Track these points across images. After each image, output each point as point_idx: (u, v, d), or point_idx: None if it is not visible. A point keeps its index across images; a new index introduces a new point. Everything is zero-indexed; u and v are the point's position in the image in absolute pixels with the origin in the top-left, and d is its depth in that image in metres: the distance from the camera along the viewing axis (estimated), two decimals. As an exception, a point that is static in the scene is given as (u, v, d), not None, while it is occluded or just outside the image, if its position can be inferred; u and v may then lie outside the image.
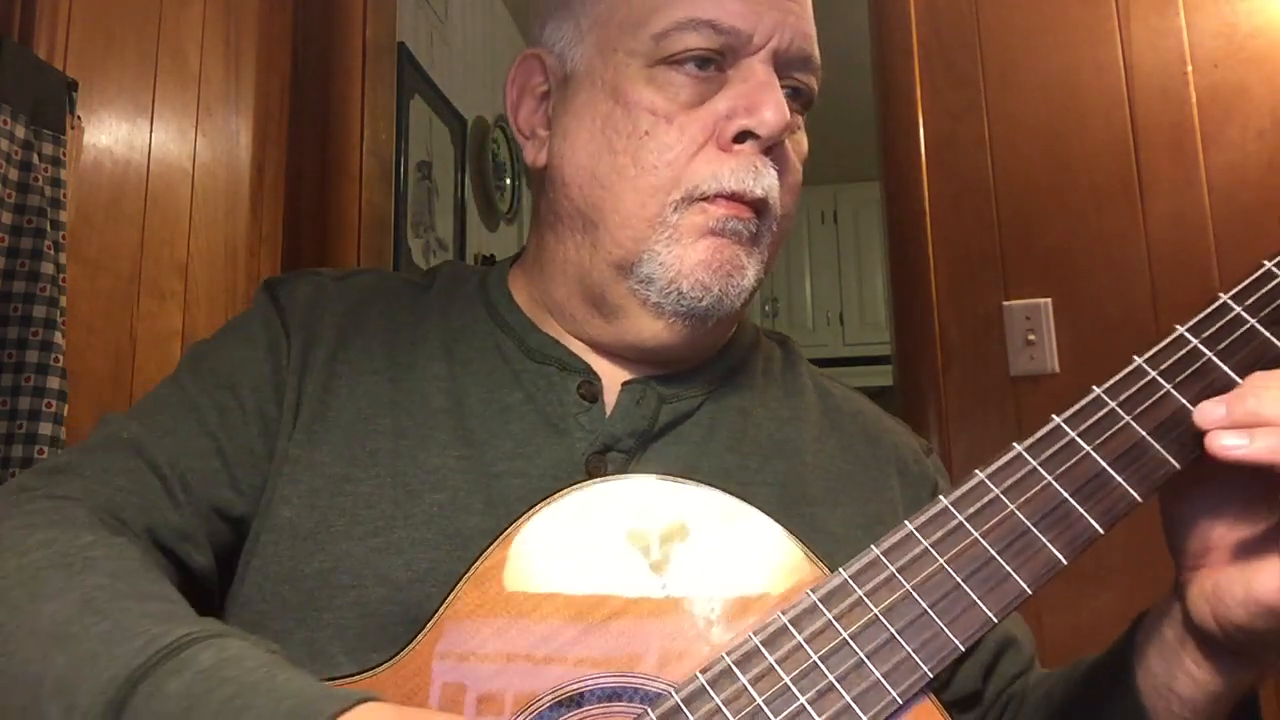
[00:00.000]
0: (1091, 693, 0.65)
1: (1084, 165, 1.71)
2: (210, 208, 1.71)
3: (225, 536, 0.67)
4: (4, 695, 0.50)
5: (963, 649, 0.51)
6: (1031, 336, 1.68)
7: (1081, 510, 0.53)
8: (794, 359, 0.82)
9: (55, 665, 0.49)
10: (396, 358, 0.72)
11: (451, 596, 0.55)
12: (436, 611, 0.55)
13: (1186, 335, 0.56)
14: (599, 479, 0.58)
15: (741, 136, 0.67)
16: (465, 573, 0.56)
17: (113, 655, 0.48)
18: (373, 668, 0.55)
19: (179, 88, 1.64)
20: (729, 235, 0.67)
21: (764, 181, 0.67)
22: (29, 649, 0.50)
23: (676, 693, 0.51)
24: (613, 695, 0.53)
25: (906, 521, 0.54)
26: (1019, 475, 0.54)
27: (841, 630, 0.52)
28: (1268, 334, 0.56)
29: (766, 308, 4.73)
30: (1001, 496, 0.54)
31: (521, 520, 0.56)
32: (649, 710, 0.51)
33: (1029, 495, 0.54)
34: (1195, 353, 0.56)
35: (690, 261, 0.67)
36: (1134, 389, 0.56)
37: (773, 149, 0.68)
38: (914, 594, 0.52)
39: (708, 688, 0.51)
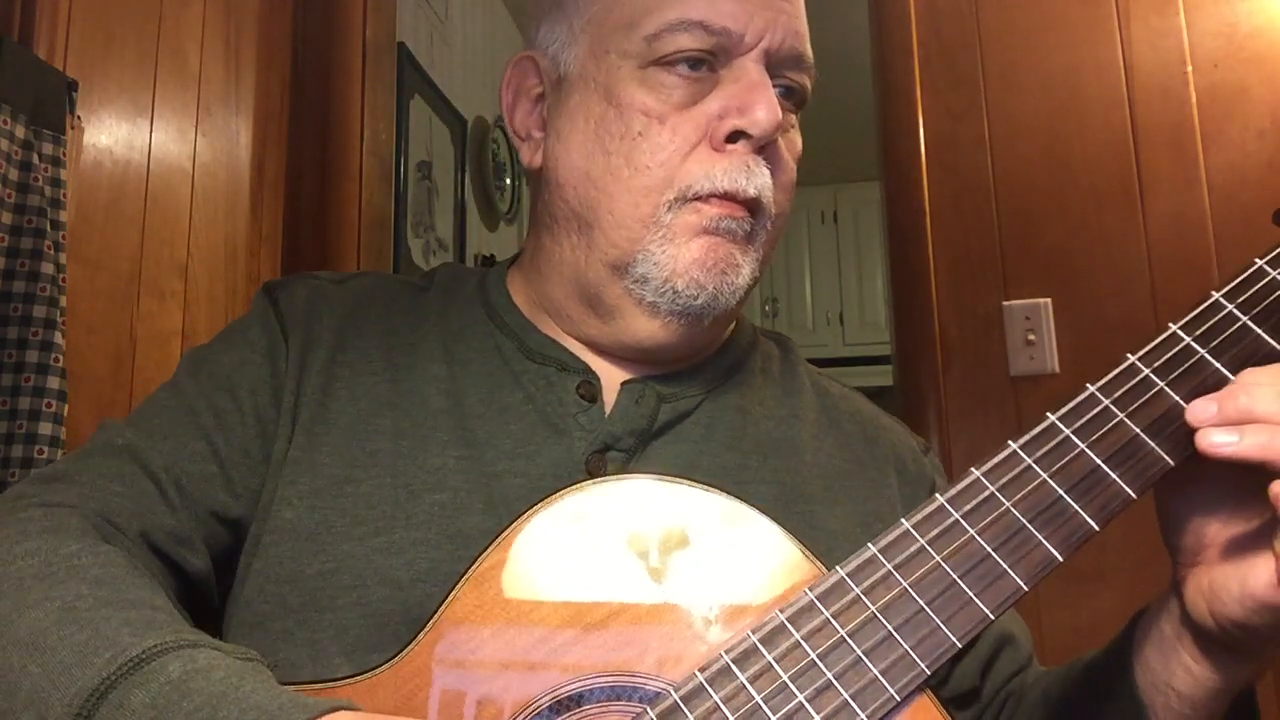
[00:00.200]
0: (1090, 689, 0.65)
1: (1084, 165, 1.71)
2: (210, 208, 1.71)
3: (223, 539, 0.68)
4: None
5: (960, 646, 0.51)
6: (1031, 336, 1.68)
7: (1077, 507, 0.53)
8: (792, 358, 0.82)
9: (30, 675, 0.49)
10: (396, 359, 0.72)
11: (450, 598, 0.55)
12: (435, 613, 0.55)
13: (1179, 333, 0.57)
14: (597, 480, 0.58)
15: (734, 136, 0.67)
16: (464, 574, 0.56)
17: (83, 666, 0.49)
18: (372, 669, 0.54)
19: (179, 88, 1.64)
20: (723, 234, 0.67)
21: (757, 181, 0.67)
22: (8, 658, 0.50)
23: (675, 691, 0.51)
24: (612, 695, 0.53)
25: (903, 519, 0.54)
26: (1014, 472, 0.55)
27: (839, 628, 0.52)
28: (1259, 331, 0.56)
29: (766, 308, 4.73)
30: (997, 494, 0.54)
31: (520, 521, 0.56)
32: (648, 709, 0.51)
33: (1024, 492, 0.54)
34: (1188, 350, 0.56)
35: (685, 260, 0.67)
36: (1127, 386, 0.56)
37: (766, 148, 0.68)
38: (911, 591, 0.52)
39: (706, 686, 0.51)
